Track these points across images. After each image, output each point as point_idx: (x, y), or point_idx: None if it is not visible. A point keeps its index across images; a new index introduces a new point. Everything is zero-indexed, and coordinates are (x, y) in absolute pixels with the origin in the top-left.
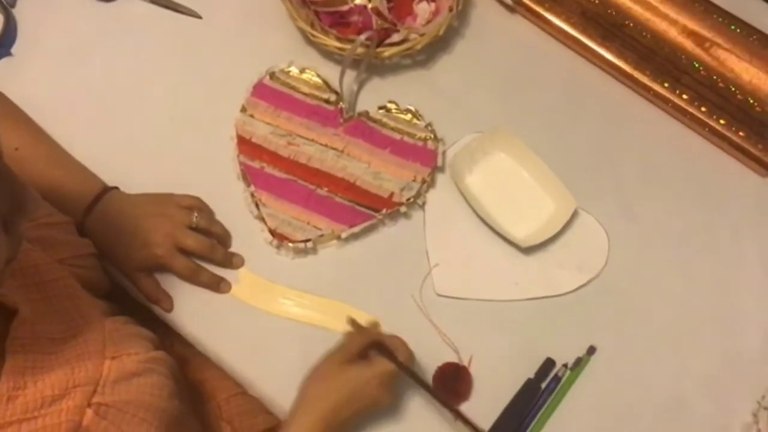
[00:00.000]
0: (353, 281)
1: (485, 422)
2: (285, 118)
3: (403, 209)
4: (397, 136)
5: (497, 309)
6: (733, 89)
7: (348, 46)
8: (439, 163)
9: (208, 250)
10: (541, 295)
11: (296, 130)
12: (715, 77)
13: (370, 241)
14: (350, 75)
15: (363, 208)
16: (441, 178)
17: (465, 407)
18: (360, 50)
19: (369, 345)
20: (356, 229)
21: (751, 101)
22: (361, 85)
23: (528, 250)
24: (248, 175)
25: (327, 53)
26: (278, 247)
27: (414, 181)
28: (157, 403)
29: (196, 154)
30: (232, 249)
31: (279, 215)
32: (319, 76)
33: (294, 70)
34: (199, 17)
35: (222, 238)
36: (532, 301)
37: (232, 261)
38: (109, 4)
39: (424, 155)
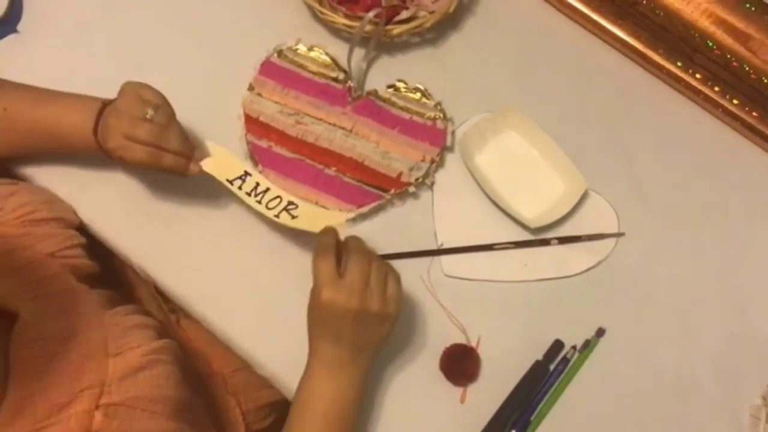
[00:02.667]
0: None
1: (493, 404)
2: (293, 96)
3: (411, 189)
4: (406, 116)
5: (506, 290)
6: (747, 69)
7: (356, 24)
8: (449, 143)
9: (160, 138)
10: (550, 276)
11: (304, 109)
12: (729, 56)
13: (378, 221)
14: (359, 53)
15: (371, 188)
16: (450, 157)
17: (473, 389)
18: (369, 28)
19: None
20: (364, 209)
21: (765, 81)
22: (369, 63)
23: (537, 231)
24: (255, 155)
25: (335, 30)
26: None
27: (423, 161)
28: (165, 393)
29: (203, 133)
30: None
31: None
32: (327, 54)
33: (302, 48)
34: None
35: (180, 140)
36: (541, 283)
37: (191, 151)
38: None
39: (434, 135)
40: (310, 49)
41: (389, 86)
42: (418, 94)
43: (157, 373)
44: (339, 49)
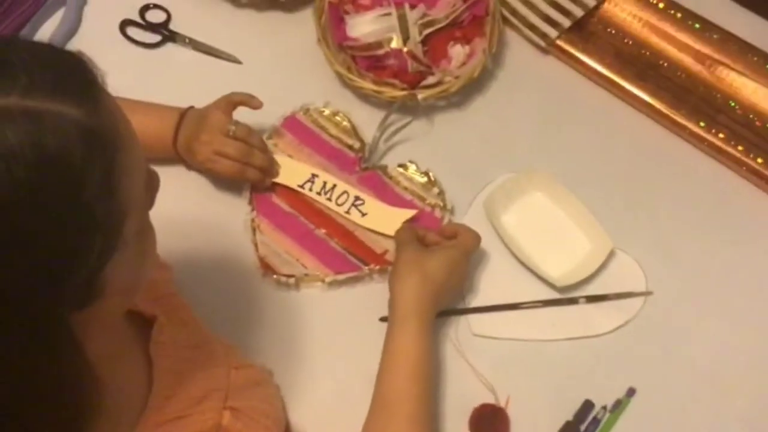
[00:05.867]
0: (357, 322)
1: None
2: (306, 153)
3: (390, 268)
4: (408, 197)
5: (534, 349)
6: None
7: (384, 89)
8: None
9: (246, 155)
10: (579, 335)
11: (312, 167)
12: (751, 116)
13: (366, 288)
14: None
15: (354, 258)
16: (476, 217)
17: None
18: (396, 93)
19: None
20: (341, 277)
21: None
22: (394, 128)
23: (564, 290)
24: (254, 201)
25: (363, 95)
26: (263, 275)
27: None
28: (276, 413)
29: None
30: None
31: (272, 245)
32: (350, 121)
33: (327, 111)
34: (240, 62)
35: (260, 147)
36: (570, 342)
37: (272, 167)
38: (154, 50)
39: (429, 221)
40: (335, 113)
41: (399, 165)
42: (425, 179)
43: (271, 392)
44: (367, 114)
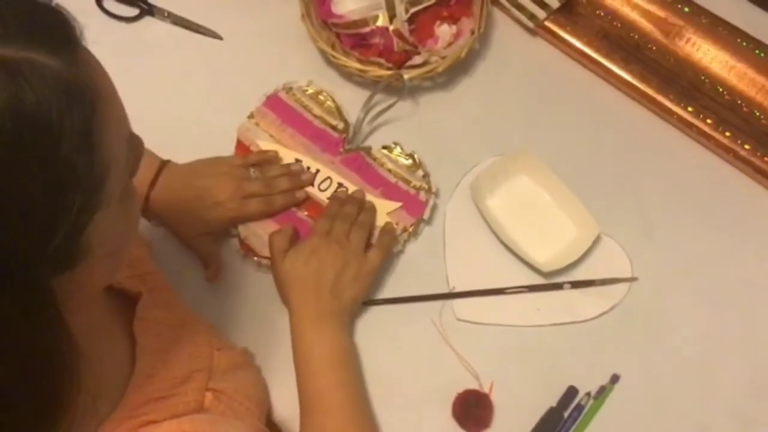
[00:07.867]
0: None
1: None
2: (289, 134)
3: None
4: (392, 179)
5: (519, 335)
6: (757, 114)
7: (369, 68)
8: (426, 216)
9: (269, 187)
10: (564, 321)
11: (296, 149)
12: (739, 102)
13: None
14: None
15: None
16: (462, 200)
17: None
18: (382, 73)
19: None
20: None
21: None
22: (379, 108)
23: (550, 275)
24: None
25: (347, 74)
26: (244, 257)
27: (396, 227)
28: (258, 395)
29: (197, 151)
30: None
31: (252, 226)
32: (334, 101)
33: (311, 90)
34: (220, 38)
35: (286, 180)
36: (554, 328)
37: (300, 183)
38: (130, 24)
39: (414, 204)
40: (319, 92)
41: (384, 147)
42: (410, 161)
43: (252, 375)
44: (349, 93)
